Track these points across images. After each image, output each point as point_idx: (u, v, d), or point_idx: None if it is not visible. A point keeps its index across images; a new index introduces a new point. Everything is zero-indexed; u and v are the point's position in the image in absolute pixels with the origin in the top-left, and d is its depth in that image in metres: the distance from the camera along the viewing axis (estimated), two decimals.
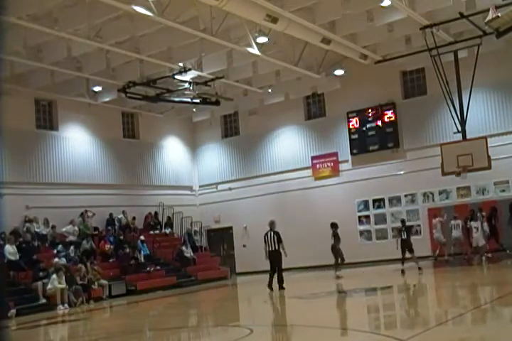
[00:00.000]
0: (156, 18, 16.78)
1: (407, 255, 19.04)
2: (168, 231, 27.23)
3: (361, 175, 25.43)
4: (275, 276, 17.10)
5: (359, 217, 25.34)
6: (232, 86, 24.72)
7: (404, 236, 19.13)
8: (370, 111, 25.50)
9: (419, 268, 18.59)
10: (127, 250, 22.85)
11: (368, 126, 25.48)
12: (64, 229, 22.61)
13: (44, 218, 22.50)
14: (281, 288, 16.96)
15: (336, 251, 19.78)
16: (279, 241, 17.08)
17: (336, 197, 25.95)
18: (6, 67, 18.56)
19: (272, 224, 17.48)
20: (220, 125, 29.94)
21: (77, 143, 24.99)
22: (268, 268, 17.27)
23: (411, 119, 24.64)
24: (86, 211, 23.84)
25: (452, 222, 21.21)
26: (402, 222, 20.08)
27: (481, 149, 18.96)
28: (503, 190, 22.72)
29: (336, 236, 19.84)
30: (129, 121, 27.84)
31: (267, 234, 17.41)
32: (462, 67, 20.14)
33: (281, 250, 17.05)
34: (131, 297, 20.59)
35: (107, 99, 24.67)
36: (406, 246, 18.99)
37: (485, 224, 20.73)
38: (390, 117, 25.10)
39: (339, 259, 19.89)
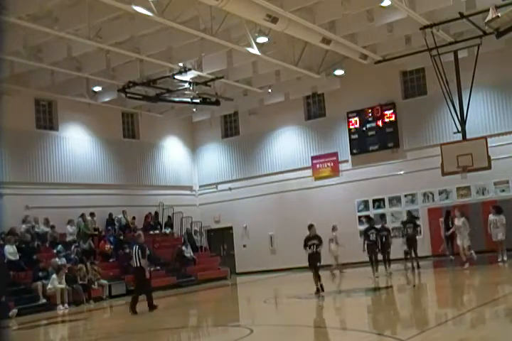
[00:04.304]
0: (156, 18, 16.78)
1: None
2: (168, 231, 27.23)
3: (361, 175, 25.42)
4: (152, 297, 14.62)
5: (359, 217, 25.30)
6: (232, 86, 24.71)
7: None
8: (370, 111, 25.49)
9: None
10: (127, 250, 22.82)
11: (368, 126, 25.48)
12: (66, 230, 22.63)
13: (44, 218, 22.50)
14: (152, 308, 14.55)
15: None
16: (143, 256, 14.41)
17: (336, 197, 25.93)
18: (6, 67, 18.57)
19: (138, 236, 15.10)
20: (220, 125, 29.93)
21: (77, 143, 24.98)
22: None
23: (411, 119, 24.64)
24: (92, 213, 23.87)
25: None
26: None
27: (481, 149, 18.94)
28: (503, 190, 22.73)
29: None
30: (129, 121, 27.84)
31: (133, 247, 14.96)
32: (462, 67, 20.12)
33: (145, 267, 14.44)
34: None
35: (107, 99, 24.67)
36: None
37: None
38: (390, 117, 25.09)
39: (386, 255, 19.11)
